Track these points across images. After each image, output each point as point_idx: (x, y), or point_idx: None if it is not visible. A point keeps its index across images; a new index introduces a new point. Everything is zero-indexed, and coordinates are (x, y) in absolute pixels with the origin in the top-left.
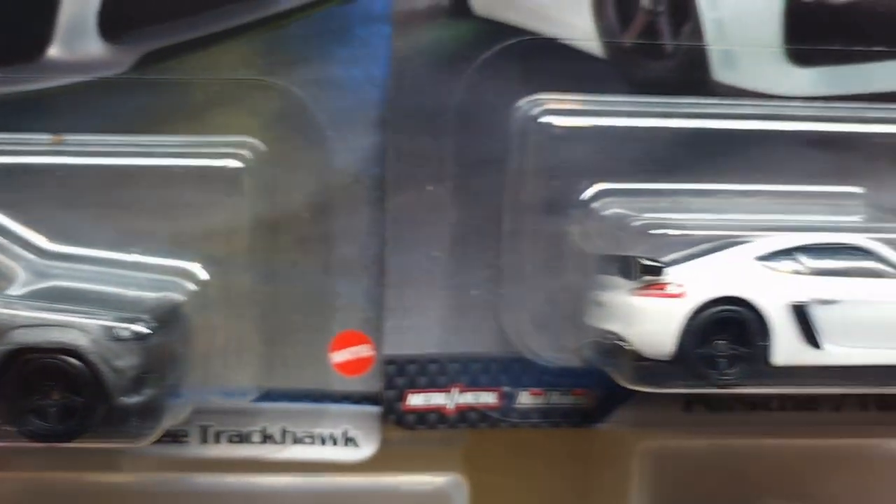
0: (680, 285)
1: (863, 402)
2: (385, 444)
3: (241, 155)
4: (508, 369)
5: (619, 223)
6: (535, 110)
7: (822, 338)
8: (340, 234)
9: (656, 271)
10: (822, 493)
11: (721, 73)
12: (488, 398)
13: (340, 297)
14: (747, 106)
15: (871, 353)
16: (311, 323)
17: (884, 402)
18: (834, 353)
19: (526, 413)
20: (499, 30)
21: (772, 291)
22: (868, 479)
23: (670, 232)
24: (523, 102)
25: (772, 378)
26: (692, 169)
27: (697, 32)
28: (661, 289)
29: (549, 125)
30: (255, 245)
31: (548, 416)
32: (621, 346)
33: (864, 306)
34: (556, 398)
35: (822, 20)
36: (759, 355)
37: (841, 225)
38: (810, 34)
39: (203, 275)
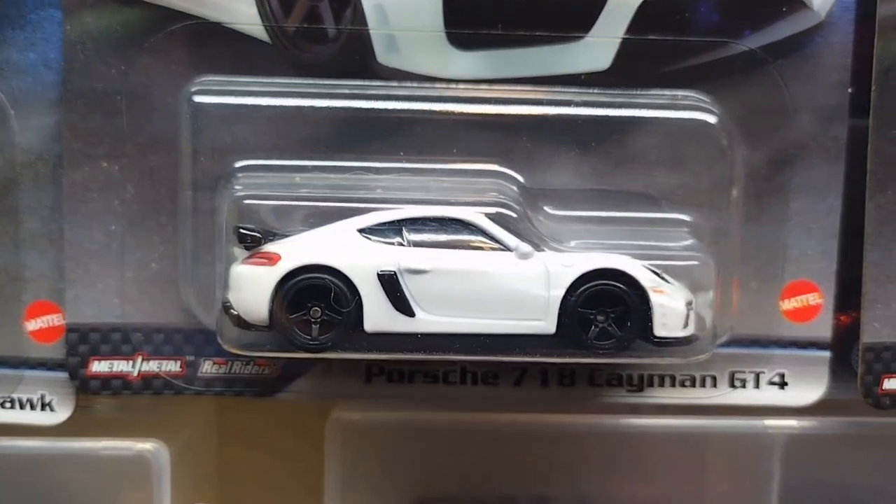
0: (273, 253)
1: (543, 378)
2: (89, 410)
3: None
4: (191, 339)
5: (232, 197)
6: (203, 92)
7: (415, 306)
8: (26, 210)
9: (255, 240)
10: (502, 464)
11: (385, 57)
12: (172, 366)
13: (30, 269)
14: (411, 88)
15: (463, 321)
16: (5, 293)
17: (564, 380)
18: (427, 320)
19: (209, 382)
20: (166, 15)
21: (363, 261)
22: (545, 454)
23: (267, 203)
24: (191, 84)
25: (367, 344)
26: (355, 148)
27: (360, 18)
28: (258, 257)
29: (215, 106)
30: None
31: (231, 385)
32: (232, 313)
33: (456, 276)
34: (239, 368)
35: (482, 5)
36: (352, 322)
37: (473, 201)
38: (471, 19)
39: None
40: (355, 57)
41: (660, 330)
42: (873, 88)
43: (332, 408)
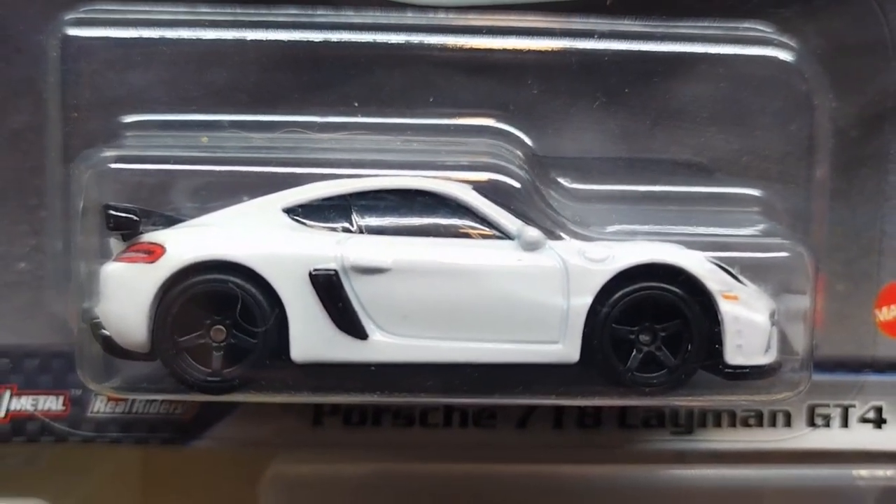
0: (155, 244)
1: (557, 418)
2: None
3: None
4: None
5: (94, 162)
6: (83, 23)
7: (368, 322)
8: None
9: (131, 226)
10: None
11: None
12: (52, 404)
13: None
14: (371, 16)
15: (440, 346)
16: None
17: (586, 419)
18: (385, 345)
19: (102, 425)
20: None
21: (289, 254)
22: None
23: (147, 168)
24: (68, 15)
25: (294, 381)
26: (291, 97)
27: None
28: (134, 250)
29: (99, 43)
30: None
31: (130, 429)
32: (101, 334)
33: (430, 278)
34: (142, 406)
35: None
36: (272, 347)
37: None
38: None
39: None
40: None
41: (734, 356)
42: None
43: (271, 459)
